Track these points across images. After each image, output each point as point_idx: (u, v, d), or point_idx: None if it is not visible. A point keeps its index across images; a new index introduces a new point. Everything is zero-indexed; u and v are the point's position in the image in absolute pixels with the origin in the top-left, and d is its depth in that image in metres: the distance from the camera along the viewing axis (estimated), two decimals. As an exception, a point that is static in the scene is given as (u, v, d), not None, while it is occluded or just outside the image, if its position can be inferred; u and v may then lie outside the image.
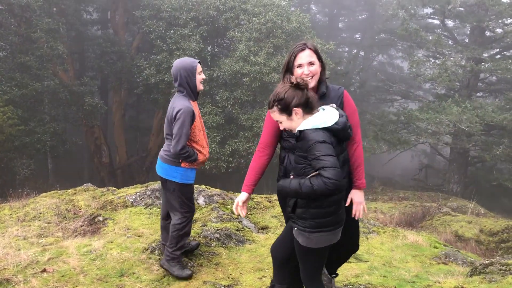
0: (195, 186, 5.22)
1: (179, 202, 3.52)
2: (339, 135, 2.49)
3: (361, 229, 4.71)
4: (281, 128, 2.61)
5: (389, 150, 17.18)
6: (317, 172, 2.37)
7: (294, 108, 2.48)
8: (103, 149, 17.85)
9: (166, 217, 3.76)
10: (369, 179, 18.70)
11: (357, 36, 32.04)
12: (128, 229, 4.46)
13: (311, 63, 2.72)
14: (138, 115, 23.92)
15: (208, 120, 13.78)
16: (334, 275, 3.22)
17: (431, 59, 19.31)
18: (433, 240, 5.46)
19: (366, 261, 4.39)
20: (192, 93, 3.48)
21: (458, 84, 18.50)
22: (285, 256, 2.82)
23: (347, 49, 31.31)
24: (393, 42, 23.41)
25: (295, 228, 2.58)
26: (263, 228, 4.94)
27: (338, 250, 2.93)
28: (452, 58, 17.25)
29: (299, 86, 2.50)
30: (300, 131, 2.46)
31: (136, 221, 4.68)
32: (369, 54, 28.37)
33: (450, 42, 19.69)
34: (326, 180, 2.30)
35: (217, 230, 4.45)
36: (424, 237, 5.50)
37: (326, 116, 2.47)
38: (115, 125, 18.80)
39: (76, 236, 4.44)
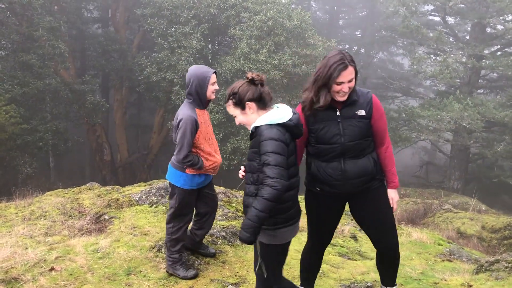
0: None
1: (175, 207, 3.49)
2: (293, 131, 2.53)
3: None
4: (237, 123, 2.63)
5: (390, 147, 17.16)
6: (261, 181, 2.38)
7: (247, 103, 2.51)
8: (104, 147, 17.89)
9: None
10: (370, 176, 18.61)
11: (358, 33, 32.03)
12: (134, 227, 4.47)
13: (350, 80, 2.66)
14: (140, 113, 23.94)
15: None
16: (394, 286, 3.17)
17: (432, 56, 19.30)
18: (437, 237, 5.48)
19: (372, 259, 4.41)
20: (201, 102, 3.44)
21: (459, 81, 18.50)
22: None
23: (347, 46, 31.20)
24: (394, 39, 23.35)
25: None
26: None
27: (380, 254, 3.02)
28: (453, 55, 17.25)
29: (253, 82, 2.54)
30: (256, 127, 2.50)
31: (141, 219, 4.69)
32: (370, 51, 28.28)
33: (451, 39, 19.65)
34: (270, 181, 2.31)
35: (223, 228, 4.46)
36: (428, 234, 5.52)
37: (282, 112, 2.51)
38: (117, 123, 18.83)
39: (82, 234, 4.45)
